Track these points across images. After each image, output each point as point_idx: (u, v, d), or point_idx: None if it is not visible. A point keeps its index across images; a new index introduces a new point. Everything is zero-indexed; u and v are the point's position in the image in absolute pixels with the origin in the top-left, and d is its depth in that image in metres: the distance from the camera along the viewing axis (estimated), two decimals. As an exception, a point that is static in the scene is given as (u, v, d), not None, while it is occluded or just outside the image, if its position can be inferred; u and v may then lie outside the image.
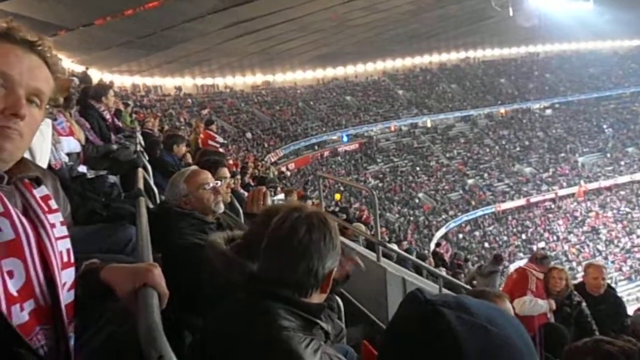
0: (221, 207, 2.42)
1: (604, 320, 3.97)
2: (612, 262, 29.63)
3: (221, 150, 7.83)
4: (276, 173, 18.86)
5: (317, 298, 1.28)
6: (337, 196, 26.33)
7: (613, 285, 24.58)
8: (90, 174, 3.00)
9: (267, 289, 1.23)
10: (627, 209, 34.66)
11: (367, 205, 25.26)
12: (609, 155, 38.84)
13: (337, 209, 12.56)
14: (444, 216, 30.25)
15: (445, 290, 4.60)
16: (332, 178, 17.44)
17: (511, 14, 31.99)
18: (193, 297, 1.83)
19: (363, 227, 6.54)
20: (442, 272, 8.28)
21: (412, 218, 29.17)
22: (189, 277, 1.86)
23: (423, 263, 5.06)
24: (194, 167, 2.53)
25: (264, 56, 29.92)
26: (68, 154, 3.07)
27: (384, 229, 24.09)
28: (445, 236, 29.06)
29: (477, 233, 30.84)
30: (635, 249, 30.85)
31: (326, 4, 21.00)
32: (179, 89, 32.26)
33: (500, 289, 5.17)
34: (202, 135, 8.38)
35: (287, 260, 1.23)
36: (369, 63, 39.47)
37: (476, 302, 0.74)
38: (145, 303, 1.02)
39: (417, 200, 31.34)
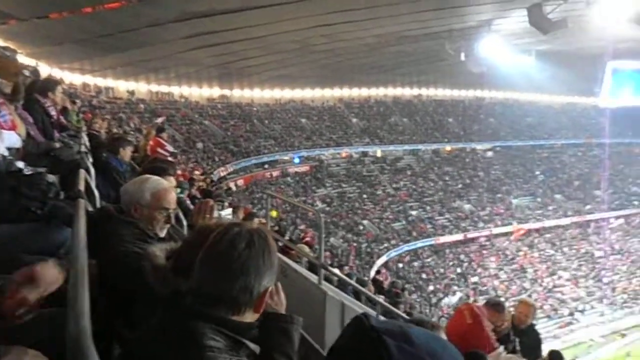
0: (163, 234, 2.27)
1: (524, 351, 4.18)
2: (535, 299, 31.11)
3: (170, 159, 7.61)
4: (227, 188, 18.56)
5: (249, 317, 1.24)
6: (274, 213, 26.28)
7: (534, 321, 25.67)
8: (28, 171, 2.80)
9: (196, 306, 1.17)
10: (552, 251, 36.71)
11: (312, 228, 25.29)
12: (539, 199, 41.21)
13: (276, 227, 12.49)
14: (385, 245, 30.73)
15: (382, 318, 4.60)
16: (280, 197, 17.36)
17: (462, 58, 33.69)
18: (127, 307, 1.74)
19: (307, 249, 6.51)
20: (381, 299, 8.37)
21: (355, 244, 29.41)
22: (125, 286, 1.76)
23: (363, 289, 5.08)
24: (166, 183, 2.36)
25: (223, 70, 29.65)
26: (8, 149, 2.87)
27: (327, 253, 24.17)
28: (385, 264, 29.50)
29: (416, 263, 31.51)
30: (556, 289, 32.59)
31: (290, 27, 21.20)
32: (131, 93, 31.27)
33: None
34: (151, 142, 8.11)
35: (224, 275, 1.18)
36: (327, 89, 40.10)
37: (420, 332, 0.74)
38: (76, 306, 0.95)
39: (361, 227, 31.70)
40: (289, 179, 34.09)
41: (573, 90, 49.45)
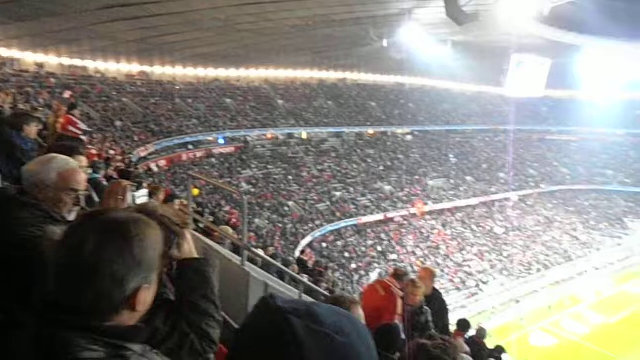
0: (72, 216, 2.08)
1: (433, 318, 4.35)
2: (447, 274, 33.33)
3: (83, 137, 7.09)
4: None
5: (128, 318, 1.08)
6: (195, 191, 25.76)
7: (446, 294, 27.23)
8: None
9: (59, 316, 1.01)
10: (462, 229, 39.36)
11: (238, 209, 25.00)
12: (452, 181, 43.82)
13: (198, 209, 12.23)
14: (310, 225, 31.16)
15: (305, 296, 4.59)
16: (203, 179, 16.86)
17: (385, 45, 34.56)
18: (27, 294, 1.61)
19: (230, 231, 6.41)
20: (305, 278, 8.49)
21: (280, 225, 29.53)
22: (24, 271, 1.63)
23: (286, 269, 5.12)
24: (75, 163, 2.14)
25: (143, 45, 27.95)
26: None
27: (252, 234, 24.02)
28: (310, 244, 29.96)
29: (339, 243, 32.33)
30: (464, 264, 35.09)
31: (215, 3, 20.43)
32: (40, 66, 28.60)
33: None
34: (62, 120, 7.49)
35: (72, 284, 1.01)
36: (252, 69, 39.37)
37: (328, 310, 0.75)
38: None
39: (286, 208, 31.84)
40: (213, 160, 33.28)
41: (483, 80, 52.70)
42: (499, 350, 7.75)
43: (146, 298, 1.10)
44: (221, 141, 34.64)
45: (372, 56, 37.62)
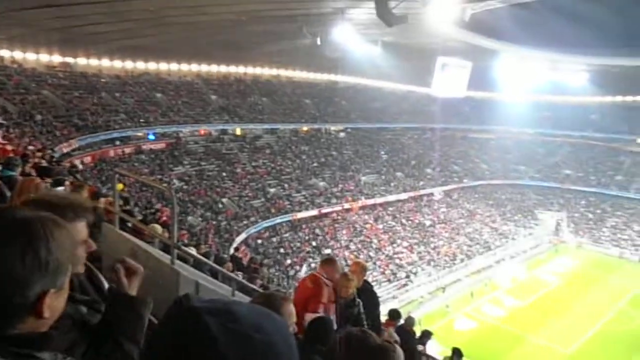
0: None
1: (365, 309, 4.36)
2: (379, 266, 34.31)
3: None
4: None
5: (35, 326, 0.98)
6: (120, 186, 24.63)
7: (378, 286, 27.93)
8: None
9: None
10: (393, 223, 40.69)
11: (170, 207, 24.09)
12: (383, 177, 45.12)
13: (122, 203, 11.57)
14: (245, 222, 30.73)
15: (238, 294, 4.46)
16: (131, 176, 15.98)
17: (319, 43, 34.72)
18: None
19: (160, 229, 6.11)
20: (239, 276, 8.30)
21: (214, 222, 28.85)
22: None
23: (218, 267, 4.97)
24: None
25: (65, 35, 25.95)
26: None
27: (185, 232, 23.25)
28: (245, 241, 29.56)
29: (274, 239, 32.18)
30: (395, 256, 36.31)
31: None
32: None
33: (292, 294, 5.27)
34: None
35: None
36: (184, 63, 38.02)
37: (246, 308, 0.73)
38: None
39: (220, 205, 31.16)
40: (143, 156, 31.80)
41: (412, 80, 54.65)
42: (426, 334, 8.07)
43: (53, 304, 0.99)
44: (151, 137, 33.19)
45: (306, 54, 37.70)
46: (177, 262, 3.57)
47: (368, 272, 28.07)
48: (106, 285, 2.18)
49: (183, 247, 4.29)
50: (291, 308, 1.90)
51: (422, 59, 41.37)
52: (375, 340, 1.23)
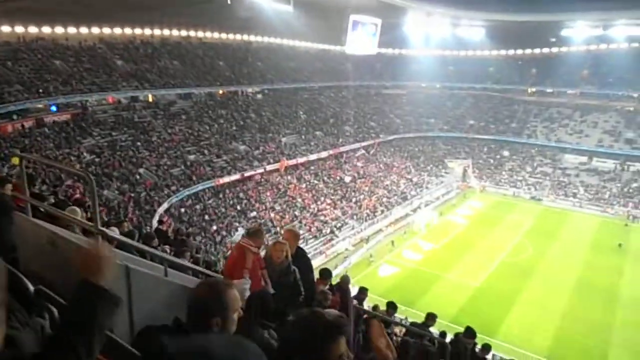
0: None
1: (301, 274, 4.51)
2: (305, 224, 35.29)
3: None
4: None
5: None
6: (15, 160, 22.92)
7: (305, 243, 28.79)
8: None
9: None
10: (315, 181, 41.63)
11: (82, 181, 22.70)
12: (303, 137, 45.56)
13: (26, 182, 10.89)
14: (166, 191, 29.79)
15: (170, 271, 4.26)
16: (37, 159, 14.50)
17: (229, 2, 33.37)
18: None
19: (79, 212, 5.69)
20: (167, 249, 8.21)
21: (133, 195, 27.67)
22: None
23: (146, 247, 4.69)
24: None
25: None
26: None
27: (103, 208, 22.20)
28: (167, 211, 28.81)
29: (198, 206, 31.61)
30: (320, 213, 37.46)
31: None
32: None
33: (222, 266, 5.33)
34: None
35: None
36: (83, 27, 34.67)
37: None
38: None
39: (137, 176, 29.83)
40: (46, 129, 29.17)
41: (325, 39, 54.71)
42: (363, 291, 8.57)
43: None
44: (54, 108, 30.46)
45: (217, 14, 36.17)
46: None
47: (300, 239, 28.74)
48: (31, 288, 2.03)
49: (107, 231, 4.19)
50: (234, 293, 1.89)
51: (335, 17, 41.46)
52: (327, 317, 1.24)
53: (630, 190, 46.36)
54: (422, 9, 43.82)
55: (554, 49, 56.13)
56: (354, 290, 8.65)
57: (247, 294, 3.71)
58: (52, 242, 3.21)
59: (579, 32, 47.45)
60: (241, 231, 31.13)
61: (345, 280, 6.44)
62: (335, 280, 6.95)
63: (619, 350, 22.20)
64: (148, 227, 21.46)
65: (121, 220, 9.56)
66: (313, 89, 54.69)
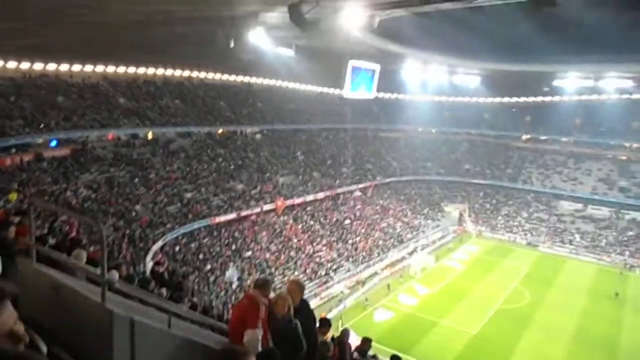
0: None
1: (302, 327, 4.29)
2: (300, 265, 34.79)
3: None
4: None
5: None
6: (12, 196, 22.75)
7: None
8: None
9: None
10: (312, 222, 41.41)
11: (78, 216, 22.44)
12: (300, 177, 45.68)
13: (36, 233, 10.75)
14: (161, 229, 29.47)
15: (175, 322, 4.06)
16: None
17: (232, 45, 34.18)
18: None
19: (84, 256, 5.55)
20: (163, 292, 7.99)
21: (128, 231, 27.32)
22: None
23: (149, 298, 4.55)
24: None
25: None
26: None
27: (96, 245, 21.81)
28: (162, 248, 28.40)
29: (192, 245, 31.19)
30: (315, 254, 37.02)
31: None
32: None
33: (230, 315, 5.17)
34: None
35: None
36: (88, 64, 35.32)
37: None
38: None
39: (134, 213, 29.57)
40: (44, 164, 29.13)
41: (325, 82, 55.86)
42: (367, 342, 7.99)
43: None
44: (53, 143, 30.52)
45: (220, 55, 36.96)
46: (108, 294, 3.19)
47: (289, 272, 28.23)
48: (43, 348, 1.92)
49: (113, 281, 4.01)
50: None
51: (334, 62, 42.43)
52: None
53: (626, 239, 46.31)
54: (419, 57, 45.02)
55: (547, 98, 57.46)
56: (357, 341, 8.36)
57: (260, 343, 3.70)
58: (56, 289, 3.14)
59: (571, 83, 48.71)
60: (232, 270, 30.62)
61: (345, 333, 6.24)
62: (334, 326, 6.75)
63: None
64: (141, 265, 21.13)
65: (119, 264, 9.35)
66: (312, 131, 55.35)
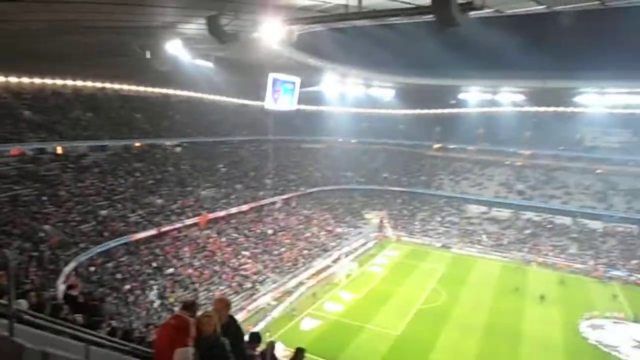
0: None
1: (231, 344, 4.30)
2: (225, 280, 34.27)
3: None
4: None
5: None
6: None
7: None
8: None
9: None
10: (236, 235, 40.99)
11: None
12: (223, 190, 45.10)
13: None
14: (74, 249, 27.61)
15: (93, 351, 3.94)
16: None
17: (148, 56, 33.15)
18: None
19: None
20: (78, 319, 7.53)
21: (36, 253, 25.29)
22: None
23: (64, 327, 4.26)
24: None
25: None
26: None
27: (2, 273, 20.02)
28: (75, 270, 26.62)
29: (110, 265, 29.54)
30: (240, 267, 36.67)
31: None
32: None
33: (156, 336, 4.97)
34: None
35: None
36: (-14, 75, 32.42)
37: None
38: None
39: (42, 234, 27.45)
40: None
41: (246, 94, 55.85)
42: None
43: None
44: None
45: (135, 67, 35.73)
46: (17, 326, 3.04)
47: (214, 287, 27.90)
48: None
49: (24, 312, 3.69)
50: None
51: (255, 74, 42.71)
52: None
53: (523, 237, 51.23)
54: (337, 70, 46.71)
55: (454, 110, 62.22)
56: (283, 351, 8.58)
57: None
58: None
59: (474, 96, 53.25)
60: (155, 291, 29.46)
61: (270, 345, 6.38)
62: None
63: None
64: (52, 289, 19.79)
65: (27, 290, 8.87)
66: (233, 143, 54.90)
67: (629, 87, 43.53)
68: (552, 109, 55.04)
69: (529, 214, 54.20)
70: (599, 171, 56.14)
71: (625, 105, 49.60)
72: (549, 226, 52.58)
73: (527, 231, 52.09)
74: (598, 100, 47.41)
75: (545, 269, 44.94)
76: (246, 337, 5.76)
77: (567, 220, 52.47)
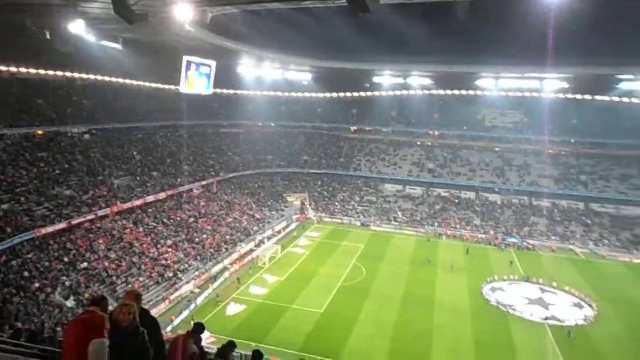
0: None
1: (149, 336, 4.22)
2: (145, 271, 33.18)
3: None
4: None
5: None
6: None
7: (146, 290, 27.37)
8: None
9: None
10: (154, 224, 39.57)
11: None
12: (138, 178, 43.15)
13: None
14: (-30, 249, 25.18)
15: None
16: None
17: (48, 37, 30.50)
18: None
19: None
20: None
21: None
22: None
23: None
24: None
25: None
26: None
27: None
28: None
29: (14, 263, 27.28)
30: (161, 257, 35.62)
31: None
32: None
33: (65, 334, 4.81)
34: None
35: None
36: None
37: None
38: None
39: None
40: None
41: (159, 78, 53.39)
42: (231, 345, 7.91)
43: None
44: None
45: (34, 48, 32.89)
46: None
47: (133, 279, 27.10)
48: None
49: None
50: None
51: (169, 58, 40.99)
52: None
53: (434, 212, 55.13)
54: (254, 53, 46.21)
55: (369, 93, 64.43)
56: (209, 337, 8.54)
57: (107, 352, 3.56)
58: None
59: (387, 80, 55.54)
60: (72, 300, 27.52)
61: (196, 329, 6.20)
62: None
63: (438, 349, 26.07)
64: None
65: None
66: (147, 129, 52.35)
67: (521, 72, 48.10)
68: (457, 92, 59.05)
69: (439, 191, 58.30)
70: (497, 149, 61.66)
71: (517, 89, 54.65)
72: (456, 201, 56.99)
73: (438, 207, 56.05)
74: (495, 84, 51.89)
75: (453, 240, 48.84)
76: (189, 328, 5.55)
77: (471, 195, 57.22)
